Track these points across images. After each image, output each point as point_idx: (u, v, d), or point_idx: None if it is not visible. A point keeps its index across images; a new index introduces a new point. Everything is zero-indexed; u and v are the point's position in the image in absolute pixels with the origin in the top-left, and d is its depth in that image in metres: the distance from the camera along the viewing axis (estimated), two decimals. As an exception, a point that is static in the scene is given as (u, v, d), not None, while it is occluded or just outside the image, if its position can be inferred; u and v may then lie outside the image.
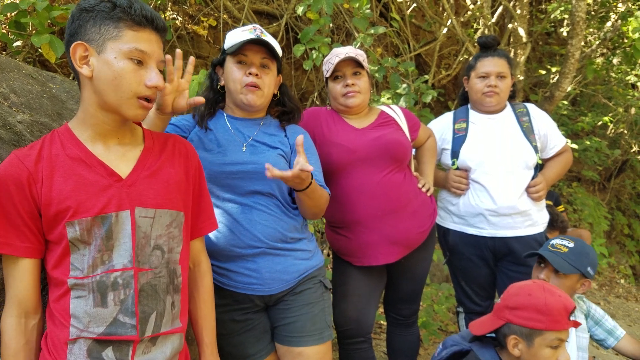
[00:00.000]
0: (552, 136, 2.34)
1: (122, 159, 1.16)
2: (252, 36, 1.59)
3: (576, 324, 1.53)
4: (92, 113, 1.13)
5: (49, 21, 2.14)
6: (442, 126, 2.42)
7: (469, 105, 2.42)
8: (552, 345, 1.49)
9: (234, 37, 1.62)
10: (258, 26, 1.66)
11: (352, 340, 2.03)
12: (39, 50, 2.69)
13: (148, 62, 1.11)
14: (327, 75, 2.02)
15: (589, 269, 1.87)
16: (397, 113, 2.15)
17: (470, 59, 2.45)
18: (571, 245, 1.89)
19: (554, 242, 1.94)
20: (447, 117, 2.46)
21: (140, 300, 1.12)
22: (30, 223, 1.08)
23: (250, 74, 1.60)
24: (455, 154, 2.32)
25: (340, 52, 1.97)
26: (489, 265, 2.32)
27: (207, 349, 1.34)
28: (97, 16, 1.08)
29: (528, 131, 2.29)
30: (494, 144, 2.26)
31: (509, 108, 2.37)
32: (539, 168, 2.31)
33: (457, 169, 2.31)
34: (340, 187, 1.95)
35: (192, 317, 1.34)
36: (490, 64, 2.28)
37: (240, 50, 1.60)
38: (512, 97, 2.41)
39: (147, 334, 1.12)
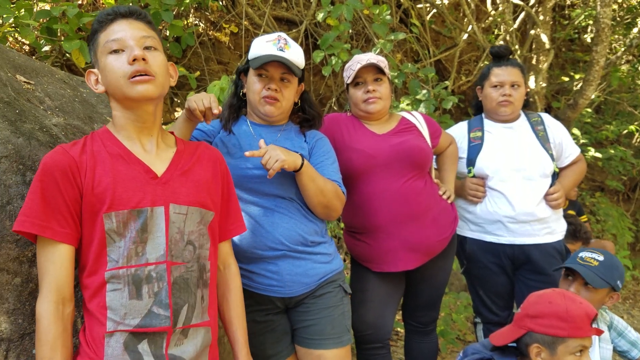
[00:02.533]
0: (566, 145, 2.36)
1: (157, 159, 1.23)
2: (275, 49, 1.62)
3: (599, 332, 1.52)
4: (119, 114, 1.21)
5: (78, 27, 2.20)
6: (456, 135, 2.43)
7: (483, 115, 2.44)
8: (575, 352, 1.48)
9: (258, 48, 1.66)
10: (283, 35, 1.69)
11: (370, 346, 2.03)
12: (67, 54, 2.78)
13: (125, 44, 1.16)
14: (348, 82, 2.04)
15: (618, 282, 1.86)
16: (418, 119, 2.15)
17: (483, 68, 2.46)
18: (601, 258, 1.87)
19: (583, 255, 1.92)
20: (462, 126, 2.47)
21: (174, 293, 1.16)
22: (72, 209, 1.12)
23: (269, 89, 1.64)
24: (471, 162, 2.32)
25: (362, 59, 1.98)
26: (507, 273, 2.30)
27: (243, 349, 1.36)
28: (89, 43, 1.22)
29: (544, 140, 2.30)
30: (512, 152, 2.26)
31: (523, 117, 2.38)
32: (556, 176, 2.31)
33: (474, 177, 2.31)
34: (361, 192, 1.96)
35: (225, 318, 1.38)
36: (504, 74, 2.30)
37: (261, 65, 1.64)
38: (525, 106, 2.41)
39: (179, 325, 1.16)
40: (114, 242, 1.13)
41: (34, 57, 3.05)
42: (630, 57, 6.57)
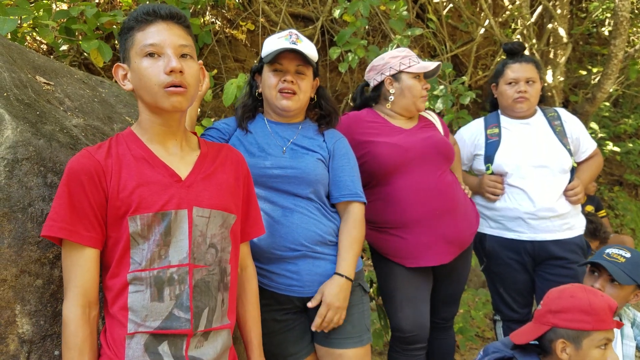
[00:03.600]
0: (583, 140, 2.34)
1: (181, 162, 1.22)
2: (287, 43, 1.61)
3: (619, 325, 1.51)
4: (147, 118, 1.21)
5: (96, 27, 2.21)
6: (473, 132, 2.41)
7: (499, 111, 2.42)
8: (600, 345, 1.47)
9: (271, 44, 1.65)
10: (294, 31, 1.68)
11: (414, 347, 1.97)
12: (85, 54, 2.79)
13: (162, 51, 1.14)
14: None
15: None
16: (433, 117, 2.17)
17: (497, 65, 2.44)
18: (628, 255, 1.86)
19: (609, 251, 1.91)
20: (478, 123, 2.45)
21: (195, 296, 1.16)
22: (98, 213, 1.13)
23: (285, 81, 1.63)
24: (489, 159, 2.30)
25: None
26: (528, 270, 2.28)
27: (257, 350, 1.38)
28: (121, 36, 1.19)
29: (561, 135, 2.28)
30: (530, 148, 2.24)
31: (539, 112, 2.36)
32: (574, 171, 2.29)
33: (492, 174, 2.29)
34: (396, 187, 1.93)
35: (240, 320, 1.38)
36: (519, 70, 2.28)
37: (275, 59, 1.63)
38: (541, 102, 2.39)
39: (200, 329, 1.16)
40: (138, 244, 1.14)
41: (51, 56, 3.07)
42: (650, 50, 6.44)
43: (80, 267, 1.11)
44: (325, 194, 1.69)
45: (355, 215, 1.67)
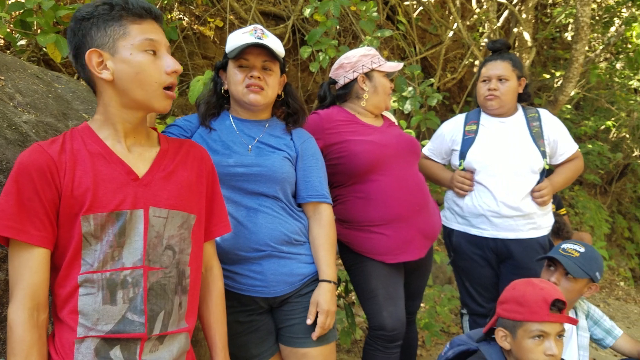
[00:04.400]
0: (562, 142, 2.34)
1: (139, 159, 1.18)
2: (252, 38, 1.58)
3: (572, 321, 1.54)
4: (115, 113, 1.15)
5: (54, 20, 2.13)
6: (453, 127, 2.44)
7: (481, 108, 2.44)
8: (533, 336, 1.51)
9: (235, 40, 1.61)
10: (259, 26, 1.65)
11: (396, 344, 1.97)
12: (44, 49, 2.69)
13: (160, 50, 1.13)
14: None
15: (597, 273, 1.91)
16: (392, 118, 2.23)
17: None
18: (582, 250, 1.93)
19: (565, 246, 1.97)
20: (459, 119, 2.47)
21: (149, 299, 1.12)
22: (49, 211, 1.07)
23: (252, 77, 1.60)
24: (462, 155, 2.34)
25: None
26: (492, 266, 2.32)
27: (221, 352, 1.34)
28: (99, 21, 1.10)
29: (537, 136, 2.29)
30: (502, 147, 2.27)
31: (520, 112, 2.37)
32: (545, 173, 2.31)
33: (463, 169, 2.33)
34: (376, 184, 1.94)
35: (204, 321, 1.35)
36: (493, 68, 2.31)
37: (240, 54, 1.60)
38: (524, 100, 2.40)
39: (154, 332, 1.13)
40: (90, 245, 1.09)
41: (8, 51, 2.95)
42: (608, 55, 6.68)
43: (29, 268, 1.05)
44: (292, 193, 1.67)
45: (327, 218, 1.67)
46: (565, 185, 2.41)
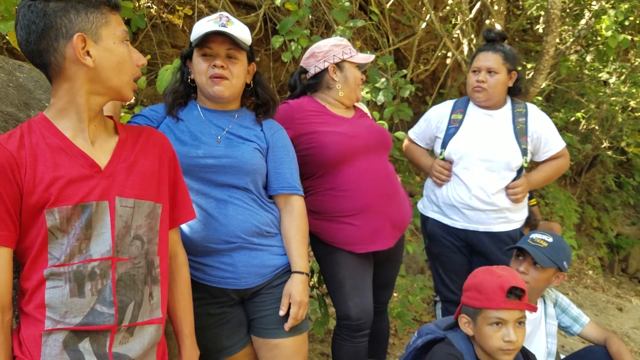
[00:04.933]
0: (547, 140, 2.31)
1: (99, 150, 1.15)
2: (216, 26, 1.54)
3: (531, 308, 1.56)
4: (82, 102, 1.11)
5: (16, 7, 2.06)
6: (439, 114, 2.43)
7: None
8: (491, 323, 1.55)
9: (200, 27, 1.58)
10: (225, 14, 1.62)
11: (361, 333, 1.99)
12: (6, 37, 2.60)
13: (128, 42, 1.16)
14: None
15: (565, 263, 1.95)
16: (365, 109, 2.23)
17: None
18: (550, 240, 1.96)
19: (533, 236, 2.00)
20: (447, 106, 2.45)
21: (118, 290, 1.11)
22: (11, 209, 1.05)
23: (215, 66, 1.57)
24: (444, 144, 2.34)
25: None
26: (465, 254, 2.35)
27: (187, 339, 1.34)
28: (79, 5, 1.07)
29: (520, 132, 2.27)
30: (482, 141, 2.26)
31: (508, 106, 2.35)
32: (523, 171, 2.30)
33: (444, 159, 2.33)
34: (346, 175, 1.94)
35: (170, 310, 1.34)
36: (483, 59, 2.28)
37: (204, 42, 1.57)
38: (514, 94, 2.37)
39: (124, 323, 1.12)
40: (57, 239, 1.07)
41: (-30, 37, 2.84)
42: (579, 47, 6.81)
43: None
44: (263, 185, 1.66)
45: (299, 209, 1.68)
46: (544, 183, 2.40)
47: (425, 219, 2.45)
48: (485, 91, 2.27)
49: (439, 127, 2.40)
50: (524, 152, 2.26)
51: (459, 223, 2.30)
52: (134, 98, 1.22)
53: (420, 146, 2.54)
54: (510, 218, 2.29)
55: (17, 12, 1.07)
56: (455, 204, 2.27)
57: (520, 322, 1.56)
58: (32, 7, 1.05)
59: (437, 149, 2.40)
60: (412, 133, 2.56)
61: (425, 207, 2.46)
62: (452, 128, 2.34)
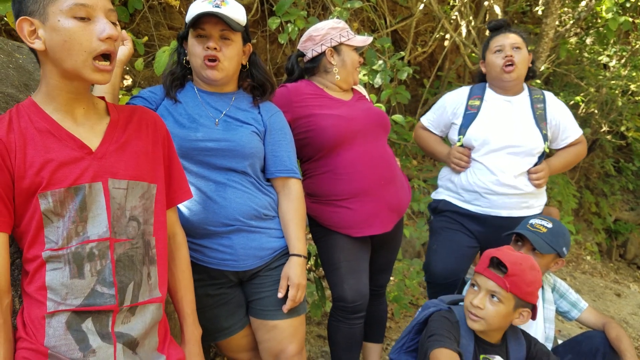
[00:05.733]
0: (565, 127, 2.30)
1: (90, 132, 1.15)
2: (210, 7, 1.53)
3: (502, 285, 1.59)
4: (55, 84, 1.10)
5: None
6: (456, 100, 2.39)
7: (487, 84, 2.38)
8: (472, 284, 1.67)
9: (194, 8, 1.56)
10: None
11: (357, 315, 2.01)
12: (5, 19, 2.58)
13: (94, 14, 1.05)
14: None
15: (564, 249, 1.95)
16: (363, 92, 2.21)
17: (484, 42, 2.41)
18: (550, 225, 1.95)
19: (532, 221, 1.99)
20: (463, 92, 2.41)
21: (118, 271, 1.12)
22: (3, 195, 1.05)
23: (208, 48, 1.56)
24: (462, 131, 2.30)
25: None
26: (469, 236, 2.31)
27: (189, 318, 1.36)
28: None
29: (540, 118, 2.26)
30: (503, 127, 2.23)
31: (526, 92, 2.33)
32: (544, 156, 2.29)
33: (462, 146, 2.30)
34: (343, 158, 1.94)
35: (171, 289, 1.35)
36: (503, 38, 2.24)
37: (197, 23, 1.56)
38: (530, 77, 2.36)
39: (125, 304, 1.13)
40: (52, 222, 1.08)
41: (-35, 19, 2.82)
42: (578, 30, 6.76)
43: None
44: (261, 168, 1.67)
45: (297, 192, 1.68)
46: (564, 169, 2.39)
47: (436, 201, 2.41)
48: (516, 67, 2.20)
49: (456, 114, 2.35)
50: (545, 138, 2.24)
51: (480, 208, 2.25)
52: (129, 80, 1.19)
53: (434, 133, 2.49)
54: (530, 203, 2.26)
55: None
56: (478, 189, 2.23)
57: (494, 295, 1.61)
58: None
59: (454, 136, 2.36)
60: (426, 120, 2.51)
61: (438, 193, 2.42)
62: (470, 114, 2.30)
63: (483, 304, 1.60)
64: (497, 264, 1.61)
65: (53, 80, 1.10)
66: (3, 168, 1.05)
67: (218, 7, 1.53)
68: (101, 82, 1.09)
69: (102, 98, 1.25)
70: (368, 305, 2.21)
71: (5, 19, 2.43)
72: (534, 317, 1.68)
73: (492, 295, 1.61)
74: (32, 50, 1.09)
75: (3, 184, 1.05)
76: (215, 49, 1.56)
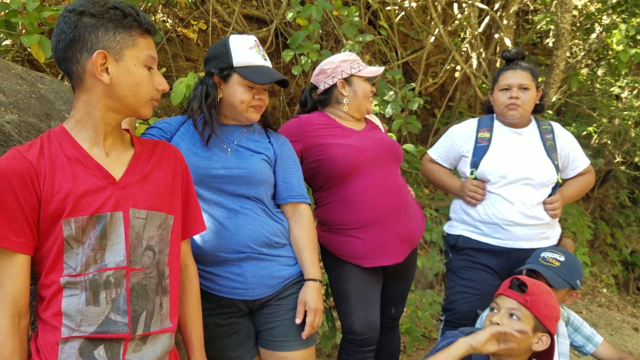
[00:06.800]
0: (574, 157, 2.32)
1: (115, 162, 1.19)
2: (261, 58, 1.65)
3: (520, 298, 1.60)
4: (98, 115, 1.16)
5: (38, 21, 2.13)
6: (465, 132, 2.39)
7: (494, 115, 2.39)
8: (491, 307, 1.66)
9: (243, 54, 1.62)
10: (255, 38, 1.69)
11: (368, 349, 1.97)
12: (28, 49, 2.68)
13: (154, 66, 1.19)
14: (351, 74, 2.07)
15: (577, 281, 1.92)
16: (376, 120, 2.24)
17: (494, 73, 2.44)
18: (562, 259, 1.93)
19: (545, 255, 1.97)
20: (471, 124, 2.42)
21: (132, 299, 1.14)
22: (29, 218, 1.08)
23: (260, 99, 1.66)
24: (475, 164, 2.29)
25: (372, 69, 2.09)
26: (492, 274, 2.26)
27: (197, 350, 1.36)
28: (109, 24, 1.12)
29: (551, 149, 2.27)
30: (516, 159, 2.23)
31: (533, 124, 2.34)
32: (557, 187, 2.29)
33: (475, 178, 2.29)
34: (354, 187, 1.95)
35: (180, 321, 1.36)
36: (512, 77, 2.26)
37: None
38: (539, 111, 2.37)
39: (138, 333, 1.14)
40: (72, 248, 1.10)
41: (-8, 51, 2.93)
42: (590, 61, 6.79)
43: (10, 275, 1.07)
44: (271, 195, 1.70)
45: (308, 217, 1.70)
46: (574, 198, 2.38)
47: (455, 237, 2.37)
48: (520, 108, 2.23)
49: (465, 147, 2.36)
50: (557, 168, 2.25)
51: (501, 242, 2.22)
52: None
53: (443, 166, 2.49)
54: (548, 234, 2.25)
55: (57, 20, 1.14)
56: (497, 221, 2.20)
57: (512, 314, 1.59)
58: (67, 19, 1.11)
59: (464, 169, 2.35)
60: (434, 153, 2.50)
61: (453, 227, 2.39)
62: (481, 147, 2.30)
63: (502, 321, 1.57)
64: (518, 285, 1.61)
65: (99, 111, 1.15)
66: (32, 192, 1.08)
67: (266, 59, 1.66)
68: (148, 117, 1.22)
69: (127, 131, 1.30)
70: (380, 338, 2.17)
71: (28, 49, 2.53)
72: (551, 353, 1.63)
73: (511, 314, 1.58)
74: (71, 73, 1.14)
75: (30, 208, 1.08)
76: (260, 98, 1.67)
